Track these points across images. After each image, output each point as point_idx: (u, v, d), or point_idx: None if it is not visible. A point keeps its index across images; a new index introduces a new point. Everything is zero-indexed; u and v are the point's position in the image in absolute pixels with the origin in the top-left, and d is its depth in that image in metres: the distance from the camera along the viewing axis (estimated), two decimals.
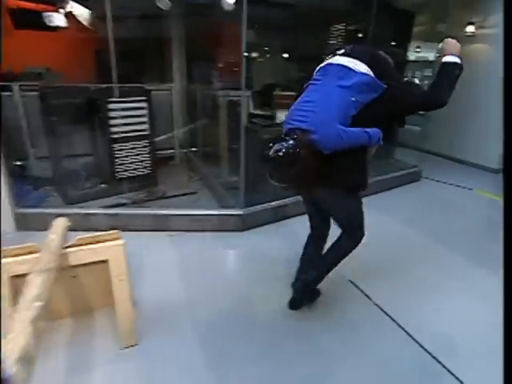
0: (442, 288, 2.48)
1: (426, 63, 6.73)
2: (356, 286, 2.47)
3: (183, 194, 3.73)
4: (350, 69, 1.58)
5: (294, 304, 2.17)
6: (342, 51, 1.69)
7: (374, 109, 1.58)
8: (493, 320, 2.10)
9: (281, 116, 3.47)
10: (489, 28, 5.28)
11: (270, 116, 3.56)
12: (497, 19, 5.17)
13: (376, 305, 2.28)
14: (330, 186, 1.69)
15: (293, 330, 2.04)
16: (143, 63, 4.70)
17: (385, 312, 2.22)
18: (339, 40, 4.48)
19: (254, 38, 6.59)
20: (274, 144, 1.49)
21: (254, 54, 6.12)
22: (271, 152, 1.47)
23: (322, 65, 1.73)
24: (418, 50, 8.31)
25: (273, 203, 3.26)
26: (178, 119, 4.78)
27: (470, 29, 5.35)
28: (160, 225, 3.08)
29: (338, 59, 1.65)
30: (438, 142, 6.10)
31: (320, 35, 4.95)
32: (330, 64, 1.67)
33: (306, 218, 2.20)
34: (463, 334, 2.06)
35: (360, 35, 4.57)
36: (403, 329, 2.07)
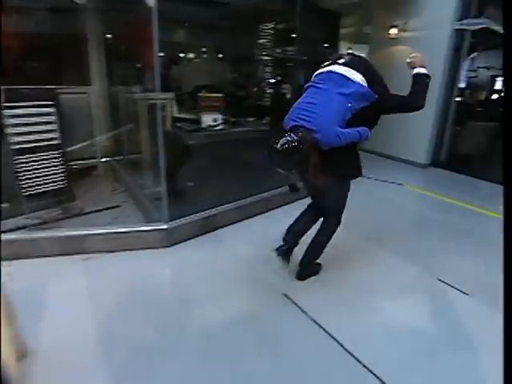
0: (378, 291, 2.43)
1: None
2: (290, 299, 2.32)
3: (105, 209, 3.35)
4: (348, 78, 1.84)
5: (300, 276, 2.49)
6: (342, 61, 1.93)
7: (365, 112, 1.87)
8: (424, 323, 2.11)
9: (207, 120, 3.24)
10: (410, 31, 5.53)
11: (196, 120, 3.32)
12: (417, 23, 5.43)
13: (312, 320, 2.15)
14: (328, 175, 1.90)
15: (220, 352, 1.83)
16: (55, 63, 4.18)
17: (319, 324, 2.09)
18: (269, 39, 4.36)
19: (186, 38, 6.31)
20: (280, 138, 1.72)
21: (183, 54, 5.81)
22: (279, 145, 1.70)
23: (322, 70, 1.98)
24: (350, 51, 8.59)
25: (201, 213, 3.02)
26: (100, 125, 4.34)
27: (394, 31, 5.56)
28: (72, 248, 2.68)
29: (337, 68, 1.90)
30: (370, 140, 6.29)
31: (252, 35, 4.80)
32: (331, 72, 1.91)
33: (237, 227, 2.81)
34: (396, 341, 2.00)
35: (294, 35, 4.52)
36: (339, 343, 1.96)
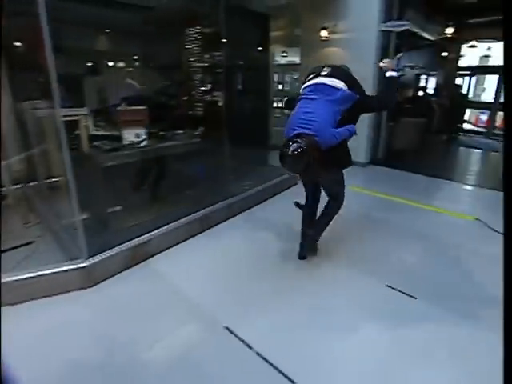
0: (322, 308, 2.28)
1: (294, 66, 6.95)
2: (232, 333, 2.07)
3: (14, 248, 2.84)
4: (333, 87, 2.20)
5: (302, 255, 2.83)
6: (324, 73, 2.29)
7: (350, 111, 2.23)
8: (375, 337, 1.95)
9: (128, 136, 2.88)
10: (340, 33, 5.60)
11: (117, 137, 2.94)
12: (346, 25, 5.52)
13: (257, 354, 1.92)
14: (328, 167, 2.26)
15: None
16: None
17: (266, 360, 1.87)
18: (197, 44, 4.09)
19: (109, 45, 5.80)
20: (289, 145, 2.02)
21: (110, 63, 5.33)
22: (290, 151, 2.00)
23: (309, 83, 2.32)
24: (284, 54, 8.60)
25: (130, 242, 2.66)
26: (8, 146, 3.75)
27: (324, 33, 5.60)
28: None
29: (322, 79, 2.26)
30: None
31: (179, 40, 4.49)
32: (317, 83, 2.26)
33: (173, 252, 2.70)
34: (346, 363, 1.85)
35: (224, 40, 4.30)
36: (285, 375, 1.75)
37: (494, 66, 10.82)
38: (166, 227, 2.88)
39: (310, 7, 5.75)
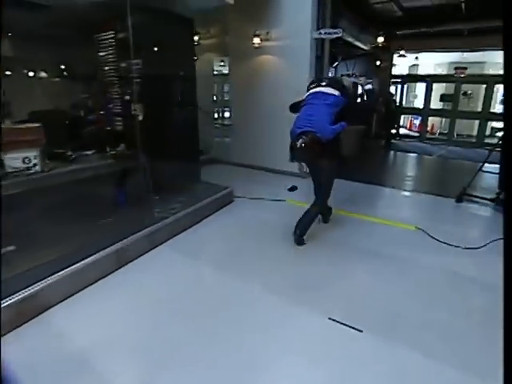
0: (258, 349, 1.92)
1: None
2: None
3: None
4: (328, 94, 2.87)
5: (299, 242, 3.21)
6: (324, 83, 2.99)
7: (342, 112, 2.88)
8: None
9: (13, 162, 2.33)
10: (273, 40, 5.42)
11: None
12: (279, 32, 5.35)
13: None
14: (326, 158, 2.90)
15: None
16: None
17: None
18: (111, 51, 3.61)
19: (11, 51, 5.07)
20: (298, 140, 2.74)
21: (9, 72, 4.62)
22: (298, 145, 2.73)
23: (311, 91, 3.00)
24: (222, 63, 8.31)
25: (19, 294, 2.10)
26: None
27: (257, 41, 5.38)
28: None
29: (321, 89, 2.94)
30: (247, 154, 6.05)
31: (92, 46, 3.96)
32: (317, 92, 2.94)
33: (74, 300, 2.21)
34: None
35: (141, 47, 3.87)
36: None
37: (421, 75, 11.55)
38: (67, 269, 2.36)
39: (241, 14, 5.52)
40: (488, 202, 4.45)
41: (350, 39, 8.70)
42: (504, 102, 0.96)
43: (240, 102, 6.01)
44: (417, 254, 3.11)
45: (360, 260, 3.01)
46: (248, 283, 2.61)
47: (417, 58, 10.85)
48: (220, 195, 4.23)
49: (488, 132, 9.84)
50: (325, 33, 5.16)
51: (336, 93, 2.86)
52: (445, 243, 3.32)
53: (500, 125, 9.73)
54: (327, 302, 2.39)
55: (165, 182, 3.52)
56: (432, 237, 3.45)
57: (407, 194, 5.02)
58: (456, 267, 2.92)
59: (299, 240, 3.19)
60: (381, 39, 8.14)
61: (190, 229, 3.50)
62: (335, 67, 10.13)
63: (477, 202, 4.49)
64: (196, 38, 5.85)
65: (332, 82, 3.01)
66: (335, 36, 5.14)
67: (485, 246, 3.27)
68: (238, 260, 2.96)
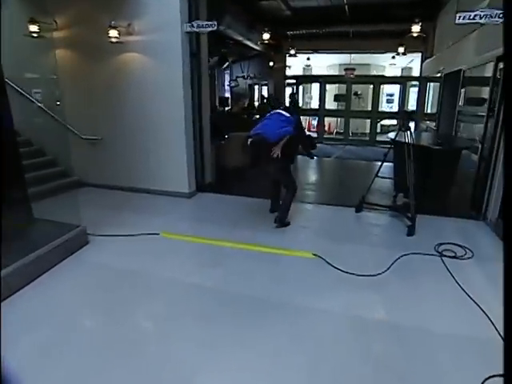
0: None
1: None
2: None
3: None
4: (282, 114, 3.68)
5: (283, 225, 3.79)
6: (282, 108, 3.85)
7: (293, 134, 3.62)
8: None
9: None
10: (137, 34, 4.44)
11: None
12: (142, 25, 4.39)
13: None
14: (278, 160, 3.47)
15: None
16: None
17: None
18: None
19: None
20: (251, 139, 3.49)
21: None
22: (248, 142, 3.48)
23: (272, 112, 3.78)
24: None
25: None
26: None
27: (114, 34, 4.32)
28: None
29: (278, 111, 3.75)
30: (121, 174, 4.97)
31: None
32: (274, 112, 3.75)
33: None
34: None
35: None
36: None
37: (314, 75, 11.71)
38: None
39: (100, 4, 4.43)
40: (386, 210, 4.19)
41: (239, 38, 8.16)
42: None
43: (107, 111, 4.86)
44: (313, 296, 2.50)
45: (239, 324, 2.25)
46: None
47: (308, 58, 10.89)
48: (65, 238, 3.12)
49: (379, 129, 10.30)
50: (197, 26, 4.37)
51: (288, 114, 3.68)
52: (346, 272, 2.80)
53: (387, 122, 10.30)
54: None
55: None
56: (332, 265, 2.91)
57: (307, 206, 4.52)
58: (359, 308, 2.37)
59: (282, 224, 3.74)
60: (267, 36, 7.70)
61: (19, 291, 2.34)
62: (225, 69, 9.56)
63: (376, 210, 4.20)
64: (34, 27, 4.53)
65: (286, 108, 3.98)
66: (210, 29, 4.39)
67: (388, 269, 2.85)
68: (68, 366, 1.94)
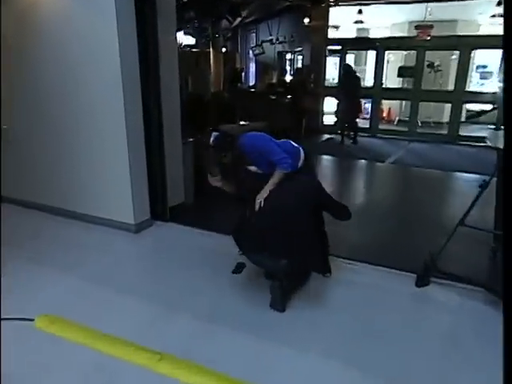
0: None
1: None
2: None
3: None
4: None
5: None
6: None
7: None
8: None
9: None
10: None
11: None
12: None
13: None
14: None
15: None
16: None
17: None
18: None
19: None
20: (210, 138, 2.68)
21: None
22: (210, 141, 2.64)
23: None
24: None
25: None
26: None
27: None
28: None
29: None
30: (39, 188, 3.63)
31: None
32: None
33: None
34: None
35: None
36: None
37: (368, 39, 9.21)
38: None
39: None
40: (475, 288, 2.38)
41: None
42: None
43: (14, 89, 3.49)
44: None
45: None
46: None
47: (360, 11, 8.39)
48: None
49: (463, 118, 8.00)
50: None
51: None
52: None
53: (479, 107, 7.88)
54: None
55: None
56: None
57: (332, 265, 2.75)
58: None
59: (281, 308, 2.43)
60: None
61: None
62: (246, 28, 7.75)
63: (452, 286, 2.46)
64: None
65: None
66: None
67: None
68: None
